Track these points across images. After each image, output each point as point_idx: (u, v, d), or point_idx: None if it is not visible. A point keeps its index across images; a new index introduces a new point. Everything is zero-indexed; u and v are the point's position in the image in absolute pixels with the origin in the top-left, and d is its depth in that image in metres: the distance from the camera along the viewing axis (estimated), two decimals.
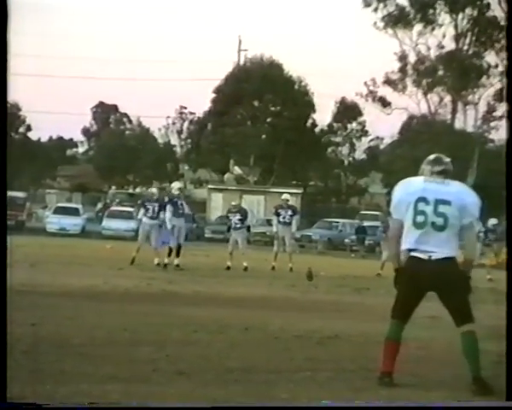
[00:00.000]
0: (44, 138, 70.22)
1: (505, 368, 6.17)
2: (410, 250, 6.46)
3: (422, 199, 6.43)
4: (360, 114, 55.52)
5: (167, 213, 18.61)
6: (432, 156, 6.67)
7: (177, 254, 18.52)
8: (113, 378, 6.22)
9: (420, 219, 6.41)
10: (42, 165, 62.18)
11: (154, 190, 20.82)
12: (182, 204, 18.82)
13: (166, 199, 19.25)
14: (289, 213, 20.88)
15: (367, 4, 50.62)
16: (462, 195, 6.50)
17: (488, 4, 49.50)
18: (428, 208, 6.41)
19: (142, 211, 19.52)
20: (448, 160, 6.66)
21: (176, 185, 19.82)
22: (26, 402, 5.24)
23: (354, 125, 56.80)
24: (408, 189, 6.56)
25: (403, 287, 6.53)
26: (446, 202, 6.41)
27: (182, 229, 18.81)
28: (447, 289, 6.41)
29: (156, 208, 19.05)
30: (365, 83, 52.39)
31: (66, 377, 6.21)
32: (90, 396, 5.62)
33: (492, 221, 24.12)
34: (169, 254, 18.49)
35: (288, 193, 23.70)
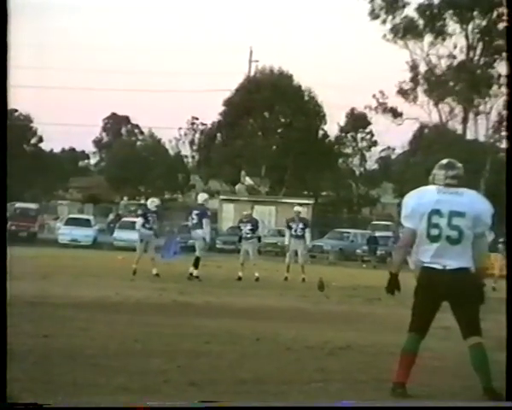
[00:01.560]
0: (57, 150, 70.53)
1: (505, 368, 6.14)
2: (425, 262, 6.45)
3: (436, 211, 6.39)
4: (369, 124, 55.53)
5: (205, 226, 18.57)
6: (444, 161, 6.62)
7: (196, 266, 18.51)
8: (124, 390, 6.22)
9: (434, 232, 6.38)
10: (54, 176, 62.39)
11: (154, 200, 20.64)
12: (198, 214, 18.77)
13: (197, 212, 18.92)
14: (301, 226, 20.86)
15: (375, 17, 50.78)
16: (475, 204, 6.46)
17: (498, 15, 49.51)
18: (442, 221, 6.37)
19: (141, 221, 19.52)
20: (460, 165, 6.61)
21: (203, 196, 19.70)
22: (26, 402, 5.25)
23: (364, 135, 56.79)
24: (421, 199, 6.50)
25: (419, 299, 6.50)
26: (460, 214, 6.38)
27: (199, 241, 18.81)
28: (460, 300, 6.39)
29: (155, 219, 19.16)
30: (374, 95, 52.52)
31: (79, 388, 6.21)
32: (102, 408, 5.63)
33: None
34: (195, 265, 18.48)
35: (299, 204, 23.77)
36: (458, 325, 6.46)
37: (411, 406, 5.82)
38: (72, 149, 74.87)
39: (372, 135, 56.65)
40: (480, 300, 6.47)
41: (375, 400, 6.28)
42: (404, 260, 6.76)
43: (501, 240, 23.35)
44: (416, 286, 6.54)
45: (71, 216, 43.32)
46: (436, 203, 6.42)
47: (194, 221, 18.78)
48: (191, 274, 18.34)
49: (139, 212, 22.10)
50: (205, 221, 18.56)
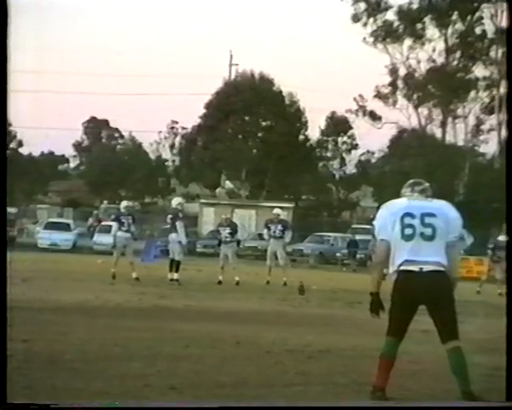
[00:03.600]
0: (36, 153, 70.07)
1: (505, 368, 6.18)
2: (401, 264, 6.47)
3: (408, 214, 6.49)
4: (350, 128, 55.68)
5: (179, 229, 18.66)
6: (410, 180, 6.86)
7: (176, 270, 18.57)
8: (104, 394, 6.20)
9: (408, 231, 6.45)
10: (33, 180, 62.05)
11: (125, 203, 20.68)
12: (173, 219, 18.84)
13: (171, 216, 19.07)
14: (279, 227, 20.88)
15: (356, 20, 50.94)
16: (445, 210, 6.61)
17: (478, 18, 49.89)
18: (415, 221, 6.47)
19: (116, 225, 19.52)
20: (427, 184, 6.82)
21: (178, 200, 19.86)
22: (25, 403, 5.24)
23: (345, 138, 56.93)
24: (391, 209, 6.64)
25: (395, 303, 6.52)
26: (432, 215, 6.49)
27: (177, 244, 18.83)
28: (437, 303, 6.42)
29: (130, 222, 19.19)
30: (354, 98, 52.73)
31: (58, 392, 6.20)
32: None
33: (502, 237, 24.27)
34: (171, 269, 18.53)
35: (280, 207, 23.71)
36: (437, 329, 6.48)
37: (411, 406, 5.84)
38: (52, 153, 74.43)
39: (353, 139, 56.82)
40: (454, 305, 6.49)
41: (355, 402, 6.30)
42: (382, 276, 6.74)
43: (490, 246, 23.56)
44: (393, 290, 6.55)
45: (50, 220, 43.09)
46: (407, 208, 6.54)
47: (169, 226, 18.86)
48: (171, 279, 18.35)
49: (112, 217, 22.14)
50: (178, 224, 18.64)
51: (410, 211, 6.50)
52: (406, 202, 6.62)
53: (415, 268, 6.41)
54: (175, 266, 18.63)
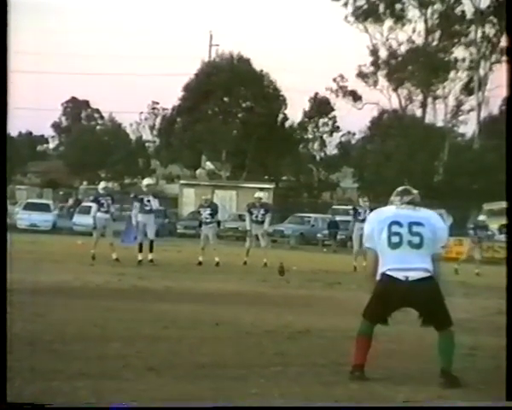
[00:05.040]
0: (14, 134, 69.61)
1: (505, 368, 6.22)
2: (387, 270, 6.49)
3: (396, 222, 6.53)
4: (331, 109, 55.69)
5: (133, 210, 19.00)
6: (400, 188, 6.87)
7: (150, 250, 18.54)
8: (83, 375, 6.19)
9: (395, 239, 6.49)
10: (12, 161, 61.65)
11: (103, 184, 20.65)
12: (149, 200, 18.81)
13: (132, 195, 19.59)
14: (262, 211, 20.80)
15: None
16: (432, 220, 6.64)
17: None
18: (403, 230, 6.50)
19: (95, 206, 19.53)
20: (416, 191, 6.83)
21: (145, 182, 19.95)
22: (25, 402, 5.22)
23: (326, 120, 56.95)
24: (379, 217, 6.68)
25: (378, 299, 6.55)
26: (420, 224, 6.53)
27: (149, 225, 18.80)
28: (426, 308, 6.49)
29: (109, 202, 19.19)
30: (334, 79, 52.73)
31: (36, 374, 6.18)
32: (60, 394, 5.60)
33: (481, 218, 24.47)
34: (140, 250, 18.47)
35: (260, 188, 23.70)
36: (430, 323, 6.53)
37: (409, 406, 5.87)
38: (30, 134, 74.03)
39: (334, 121, 56.86)
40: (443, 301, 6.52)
41: (334, 384, 6.33)
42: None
43: (471, 226, 23.76)
44: (375, 288, 6.58)
45: (29, 201, 42.88)
46: (395, 216, 6.58)
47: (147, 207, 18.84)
48: (151, 260, 18.33)
49: (90, 198, 22.03)
50: (153, 203, 18.71)
51: (397, 219, 6.53)
52: (394, 210, 6.65)
53: (400, 276, 6.43)
54: (148, 246, 18.53)
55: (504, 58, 44.00)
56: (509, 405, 5.97)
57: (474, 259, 23.03)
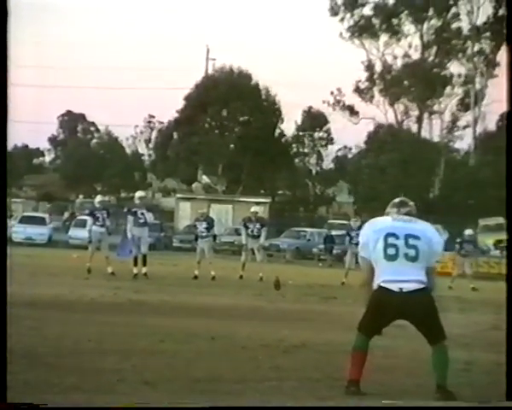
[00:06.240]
0: (10, 147, 69.58)
1: (505, 368, 6.21)
2: (382, 282, 6.49)
3: (392, 234, 6.52)
4: (326, 122, 55.76)
5: (127, 224, 18.88)
6: (397, 200, 6.85)
7: (144, 264, 18.46)
8: (77, 389, 6.17)
9: (391, 251, 6.48)
10: (7, 174, 61.57)
11: (99, 198, 20.65)
12: (143, 213, 18.76)
13: (126, 209, 19.57)
14: (257, 225, 20.81)
15: (334, 13, 51.05)
16: (428, 233, 6.62)
17: (454, 15, 50.16)
18: (399, 242, 6.49)
19: (91, 220, 19.54)
20: (412, 203, 6.83)
21: (137, 195, 19.77)
22: (25, 403, 5.20)
23: (321, 133, 57.02)
24: (375, 227, 6.68)
25: (373, 311, 6.55)
26: (416, 237, 6.52)
27: (143, 238, 18.73)
28: (420, 319, 6.47)
29: (105, 216, 19.17)
30: (332, 92, 52.85)
31: (31, 387, 6.16)
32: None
33: (469, 232, 24.28)
34: (135, 264, 18.43)
35: (256, 203, 23.70)
36: (423, 336, 6.52)
37: (409, 406, 5.86)
38: (26, 147, 73.97)
39: (329, 134, 56.93)
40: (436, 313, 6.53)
41: (329, 398, 6.32)
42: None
43: (458, 240, 23.67)
44: (370, 300, 6.58)
45: (25, 214, 42.81)
46: (391, 228, 6.57)
47: (141, 220, 18.78)
48: (145, 274, 18.27)
49: (86, 211, 22.00)
50: (147, 216, 18.69)
51: (394, 231, 6.53)
52: (391, 221, 6.64)
53: (394, 288, 6.42)
54: (142, 260, 18.45)
55: (500, 73, 44.26)
56: (509, 405, 5.96)
57: (466, 274, 22.97)
